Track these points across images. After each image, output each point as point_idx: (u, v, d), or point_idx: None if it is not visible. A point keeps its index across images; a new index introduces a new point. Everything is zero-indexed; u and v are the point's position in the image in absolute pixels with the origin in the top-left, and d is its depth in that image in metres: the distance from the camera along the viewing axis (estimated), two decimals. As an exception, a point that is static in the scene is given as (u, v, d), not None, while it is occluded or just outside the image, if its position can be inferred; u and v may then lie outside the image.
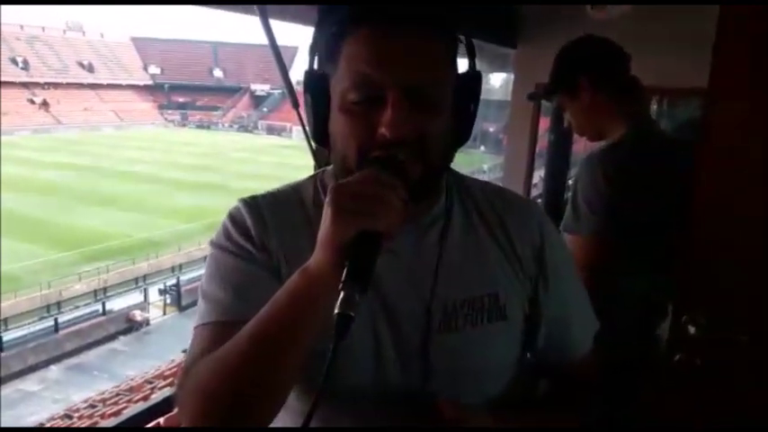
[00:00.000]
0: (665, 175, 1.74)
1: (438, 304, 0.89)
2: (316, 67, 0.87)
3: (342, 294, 0.68)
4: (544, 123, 3.75)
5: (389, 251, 0.84)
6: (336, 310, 0.67)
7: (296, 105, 2.13)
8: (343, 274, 0.69)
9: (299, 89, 2.53)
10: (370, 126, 0.80)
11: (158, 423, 7.31)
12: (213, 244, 0.94)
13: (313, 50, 0.87)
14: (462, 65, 0.90)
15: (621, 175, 1.72)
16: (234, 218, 0.94)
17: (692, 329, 1.48)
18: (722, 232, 1.54)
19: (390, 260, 0.84)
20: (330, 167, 0.96)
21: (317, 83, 0.86)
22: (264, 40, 1.98)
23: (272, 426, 0.81)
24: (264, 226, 0.91)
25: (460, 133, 0.88)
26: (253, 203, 0.94)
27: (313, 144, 2.15)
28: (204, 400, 0.78)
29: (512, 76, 3.62)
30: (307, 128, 2.13)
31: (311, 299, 0.75)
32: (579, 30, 1.94)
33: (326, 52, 0.86)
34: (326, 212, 0.72)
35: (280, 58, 1.98)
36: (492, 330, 0.91)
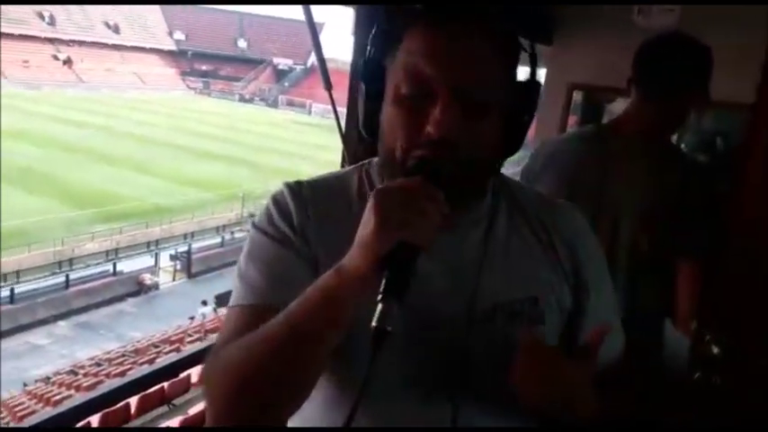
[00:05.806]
0: None
1: (479, 305, 0.88)
2: (373, 56, 0.87)
3: (380, 307, 0.69)
4: (571, 120, 3.71)
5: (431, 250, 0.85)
6: (374, 323, 0.68)
7: (329, 87, 2.12)
8: (382, 286, 0.70)
9: (330, 67, 2.51)
10: (419, 122, 0.80)
11: (162, 387, 7.43)
12: (255, 226, 0.94)
13: (373, 40, 0.87)
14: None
15: None
16: (278, 201, 0.94)
17: (715, 349, 1.45)
18: (754, 254, 1.51)
19: (432, 258, 0.82)
20: (375, 159, 0.95)
21: (373, 74, 0.86)
22: (291, 15, 1.98)
23: (297, 414, 0.82)
24: (306, 214, 0.91)
25: (511, 142, 0.87)
26: (297, 189, 0.94)
27: (343, 128, 2.15)
28: (231, 386, 0.80)
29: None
30: (337, 111, 2.12)
31: (343, 298, 0.75)
32: (618, 33, 1.89)
33: (386, 44, 0.86)
34: (369, 217, 0.72)
35: (316, 37, 1.96)
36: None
